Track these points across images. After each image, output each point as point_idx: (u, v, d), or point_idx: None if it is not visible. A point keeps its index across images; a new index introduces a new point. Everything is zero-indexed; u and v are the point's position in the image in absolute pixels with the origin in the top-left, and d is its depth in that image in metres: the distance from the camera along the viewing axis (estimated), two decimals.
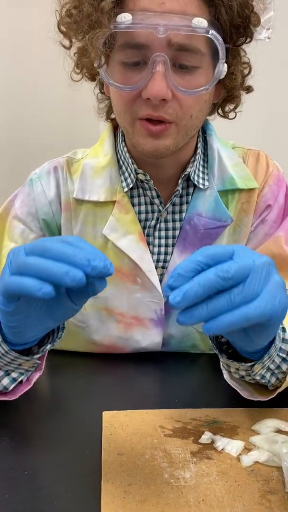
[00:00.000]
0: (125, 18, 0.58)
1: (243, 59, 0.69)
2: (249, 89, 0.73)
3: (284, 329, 0.58)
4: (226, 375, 0.60)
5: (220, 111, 0.76)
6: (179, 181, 0.73)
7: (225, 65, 0.63)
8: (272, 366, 0.57)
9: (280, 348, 0.57)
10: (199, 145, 0.75)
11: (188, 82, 0.61)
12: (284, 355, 0.57)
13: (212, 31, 0.59)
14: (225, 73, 0.63)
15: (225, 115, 0.76)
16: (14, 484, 0.48)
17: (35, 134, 1.78)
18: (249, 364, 0.56)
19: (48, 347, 0.56)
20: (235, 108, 0.75)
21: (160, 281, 0.76)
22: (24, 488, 0.47)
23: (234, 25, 0.62)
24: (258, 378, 0.58)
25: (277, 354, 0.57)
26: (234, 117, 0.77)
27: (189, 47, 0.59)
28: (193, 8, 0.59)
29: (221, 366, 0.60)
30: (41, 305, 0.48)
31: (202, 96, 0.64)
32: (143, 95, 0.60)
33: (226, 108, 0.75)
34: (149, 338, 0.77)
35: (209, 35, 0.59)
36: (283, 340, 0.57)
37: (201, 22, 0.58)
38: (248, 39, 0.66)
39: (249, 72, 0.71)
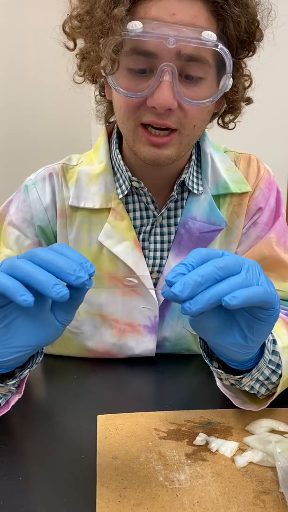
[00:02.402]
0: (135, 26, 0.57)
1: (244, 71, 0.69)
2: (248, 101, 0.73)
3: (274, 341, 0.58)
4: (218, 383, 0.61)
5: (220, 121, 0.75)
6: (175, 187, 0.73)
7: (231, 79, 0.63)
8: (261, 378, 0.57)
9: (270, 360, 0.57)
10: (193, 150, 0.75)
11: (194, 93, 0.61)
12: (273, 367, 0.57)
13: (221, 45, 0.59)
14: (230, 87, 0.63)
15: (225, 126, 0.76)
16: (8, 490, 0.48)
17: (28, 138, 1.78)
18: (238, 377, 0.57)
19: (26, 372, 0.54)
20: (234, 118, 0.75)
21: (155, 285, 0.76)
22: (19, 494, 0.47)
23: (240, 40, 0.62)
24: (247, 389, 0.58)
25: (267, 366, 0.57)
26: (234, 127, 0.76)
27: (197, 59, 0.59)
28: (202, 21, 0.59)
29: (214, 374, 0.61)
30: (22, 321, 0.46)
31: (206, 107, 0.64)
32: (149, 103, 0.60)
33: (226, 119, 0.75)
34: (142, 345, 0.77)
35: (218, 49, 0.59)
36: (273, 352, 0.57)
37: (210, 35, 0.58)
38: (251, 53, 0.66)
39: (250, 85, 0.71)
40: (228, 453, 0.52)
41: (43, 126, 1.83)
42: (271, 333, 0.58)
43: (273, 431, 0.57)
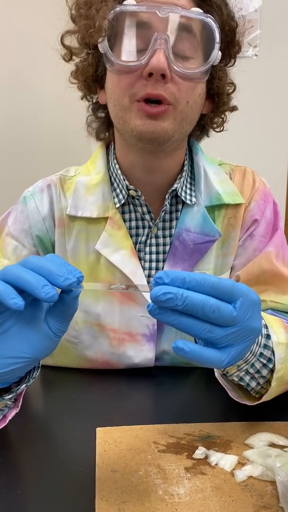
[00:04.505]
0: (130, 1, 0.62)
1: (227, 79, 0.74)
2: (233, 109, 0.78)
3: (268, 336, 0.59)
4: (216, 373, 0.62)
5: (208, 122, 0.79)
6: (166, 197, 0.74)
7: (220, 52, 0.67)
8: (251, 370, 0.58)
9: (261, 353, 0.58)
10: (186, 162, 0.77)
11: (184, 68, 0.64)
12: (265, 361, 0.58)
13: (209, 17, 0.64)
14: (218, 60, 0.67)
15: (212, 126, 0.79)
16: (7, 503, 0.47)
17: (27, 150, 1.79)
18: None
19: (23, 387, 0.53)
20: (221, 123, 0.79)
21: None
22: (17, 507, 0.47)
23: (223, 30, 0.67)
24: (235, 379, 0.60)
25: (258, 359, 0.58)
26: (221, 130, 0.80)
27: (188, 29, 0.64)
28: (191, 4, 0.65)
29: None
30: (17, 331, 0.46)
31: (197, 86, 0.67)
32: (145, 72, 0.63)
33: (214, 120, 0.78)
34: (141, 354, 0.77)
35: (206, 20, 0.64)
36: (265, 346, 0.58)
37: (199, 10, 0.64)
38: (232, 62, 0.71)
39: (233, 90, 0.75)
40: (228, 467, 0.52)
41: (42, 138, 1.84)
42: (266, 328, 0.59)
43: (272, 445, 0.56)
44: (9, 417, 0.55)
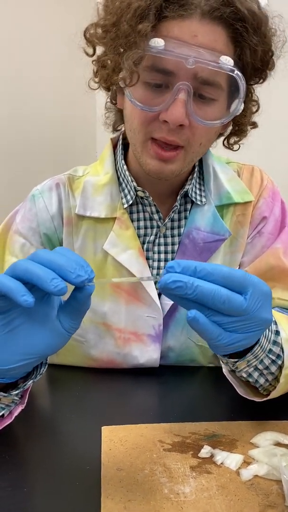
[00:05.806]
0: (158, 43, 0.59)
1: (253, 96, 0.71)
2: (254, 125, 0.75)
3: (277, 332, 0.59)
4: (224, 369, 0.62)
5: (225, 142, 0.77)
6: (178, 198, 0.74)
7: (243, 103, 0.64)
8: (260, 366, 0.58)
9: (270, 350, 0.58)
10: (196, 163, 0.77)
11: (205, 113, 0.63)
12: (274, 357, 0.58)
13: (237, 71, 0.61)
14: (241, 111, 0.65)
15: (229, 147, 0.78)
16: (12, 501, 0.47)
17: (33, 150, 1.80)
18: (233, 360, 0.57)
19: (30, 383, 0.53)
20: (239, 140, 0.77)
21: (159, 295, 0.76)
22: (23, 505, 0.47)
23: (254, 68, 0.64)
24: (244, 375, 0.60)
25: (267, 355, 0.58)
26: (238, 149, 0.78)
27: (212, 82, 0.61)
28: (221, 45, 0.60)
29: (220, 361, 0.62)
30: (28, 327, 0.46)
31: (213, 128, 0.66)
32: (161, 117, 0.62)
33: (231, 141, 0.77)
34: (147, 354, 0.77)
35: (234, 75, 0.61)
36: (274, 342, 0.58)
37: (228, 60, 0.60)
38: (262, 80, 0.68)
39: (257, 110, 0.73)
40: (233, 466, 0.52)
41: (48, 138, 1.85)
42: (276, 324, 0.59)
43: (278, 444, 0.56)
44: (15, 414, 0.55)
